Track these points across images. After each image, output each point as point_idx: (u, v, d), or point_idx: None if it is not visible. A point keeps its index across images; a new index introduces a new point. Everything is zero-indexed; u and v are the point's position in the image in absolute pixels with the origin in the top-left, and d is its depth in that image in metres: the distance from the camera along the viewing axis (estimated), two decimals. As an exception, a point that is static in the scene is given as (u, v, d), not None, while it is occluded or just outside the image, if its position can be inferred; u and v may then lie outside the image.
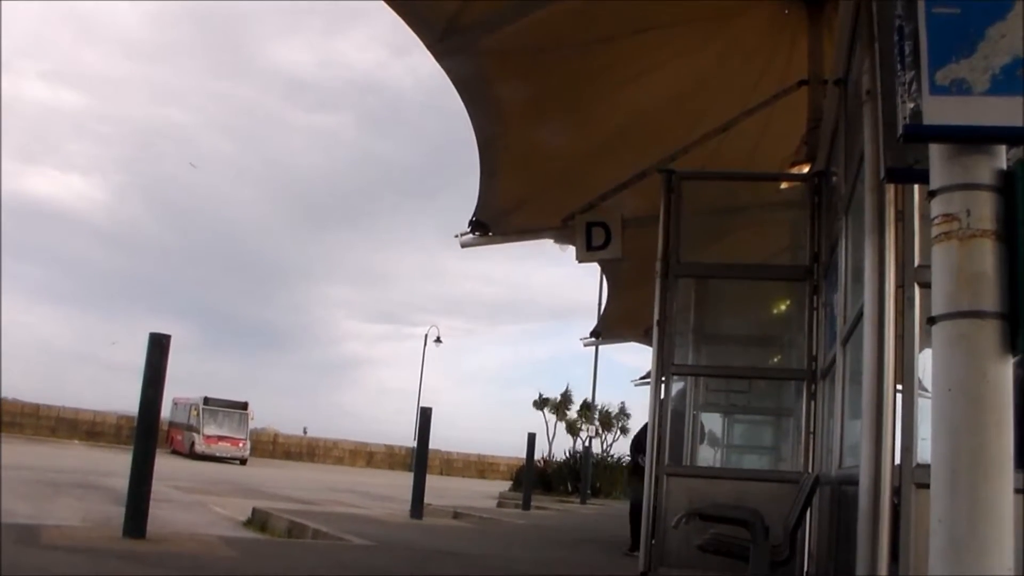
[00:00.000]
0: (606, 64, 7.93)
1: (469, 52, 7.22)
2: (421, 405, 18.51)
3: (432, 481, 15.74)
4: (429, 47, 7.00)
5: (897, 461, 3.52)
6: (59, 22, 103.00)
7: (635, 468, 10.50)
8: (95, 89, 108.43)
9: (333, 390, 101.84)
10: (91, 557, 6.55)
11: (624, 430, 36.80)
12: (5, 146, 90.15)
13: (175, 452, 41.37)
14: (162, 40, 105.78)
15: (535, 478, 22.65)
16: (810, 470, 6.56)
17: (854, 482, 3.93)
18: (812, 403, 6.78)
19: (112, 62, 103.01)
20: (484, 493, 26.99)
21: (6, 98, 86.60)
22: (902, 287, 3.60)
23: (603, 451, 32.60)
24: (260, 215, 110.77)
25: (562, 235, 10.08)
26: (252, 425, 44.92)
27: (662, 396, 7.17)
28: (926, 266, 2.80)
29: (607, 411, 37.44)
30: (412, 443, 37.65)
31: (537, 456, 24.02)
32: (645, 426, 9.21)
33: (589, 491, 24.83)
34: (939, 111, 2.26)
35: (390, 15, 6.60)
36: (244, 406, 43.86)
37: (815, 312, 6.93)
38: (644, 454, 8.86)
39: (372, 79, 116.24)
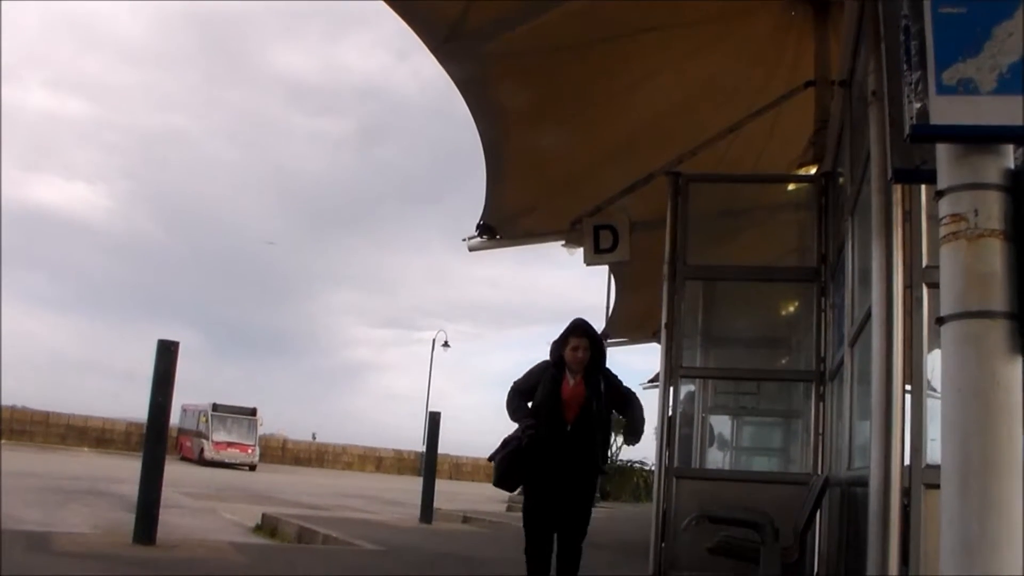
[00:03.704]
0: (612, 67, 7.94)
1: (473, 55, 7.24)
2: (430, 410, 18.55)
3: (441, 485, 15.71)
4: (433, 50, 7.01)
5: (906, 462, 3.51)
6: (61, 30, 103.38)
7: (521, 449, 5.89)
8: (98, 97, 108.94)
9: (342, 395, 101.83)
10: (101, 564, 6.56)
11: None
12: (10, 155, 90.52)
13: (184, 459, 41.39)
14: (164, 46, 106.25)
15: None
16: (819, 472, 6.54)
17: (864, 483, 3.92)
18: (821, 405, 6.76)
19: (114, 69, 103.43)
20: (494, 497, 26.86)
21: (10, 107, 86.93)
22: (910, 287, 3.60)
23: (612, 454, 32.51)
24: (265, 221, 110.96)
25: (570, 238, 10.07)
26: (261, 431, 44.91)
27: (671, 399, 7.15)
28: (934, 266, 2.80)
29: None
30: (421, 448, 37.59)
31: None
32: (532, 370, 6.14)
33: (598, 495, 24.80)
34: (946, 111, 2.25)
35: (392, 19, 6.63)
36: (253, 412, 43.87)
37: (823, 313, 6.91)
38: (536, 416, 5.91)
39: (375, 83, 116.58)
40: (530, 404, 6.05)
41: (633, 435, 6.32)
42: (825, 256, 6.94)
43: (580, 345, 5.95)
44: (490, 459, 6.11)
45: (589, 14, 7.09)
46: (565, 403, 5.89)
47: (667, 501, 6.83)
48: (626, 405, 6.18)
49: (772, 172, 9.78)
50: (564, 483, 5.85)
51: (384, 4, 6.50)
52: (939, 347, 2.32)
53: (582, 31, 7.38)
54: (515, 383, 6.21)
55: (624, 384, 6.24)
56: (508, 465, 5.95)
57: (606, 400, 6.00)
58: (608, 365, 6.13)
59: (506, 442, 6.02)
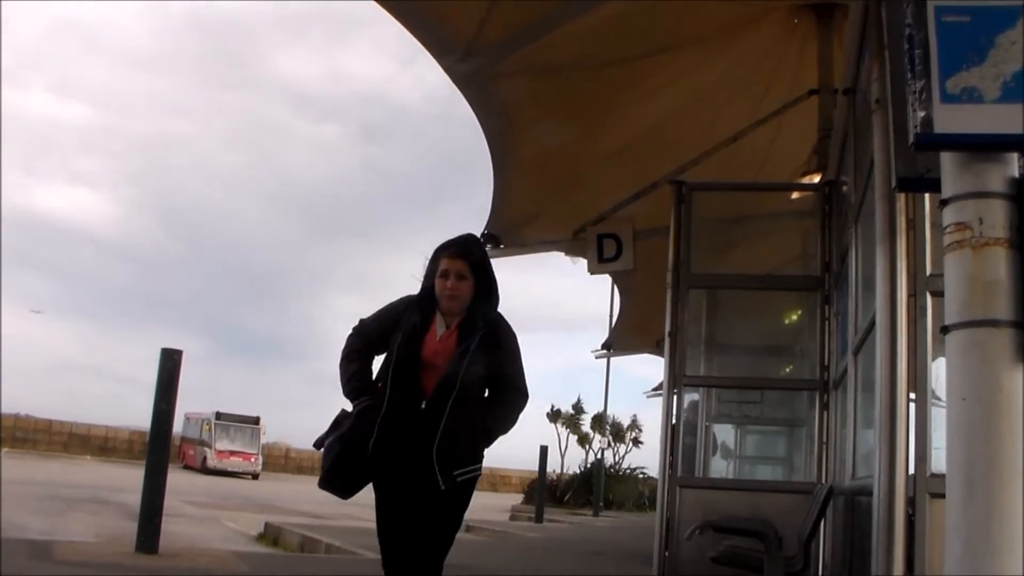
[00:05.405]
0: (619, 81, 7.94)
1: (486, 73, 7.24)
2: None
3: (444, 494, 15.64)
4: (446, 68, 7.03)
5: (911, 471, 3.50)
6: (64, 35, 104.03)
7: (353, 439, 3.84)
8: (101, 102, 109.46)
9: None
10: (104, 572, 6.55)
11: (636, 442, 36.56)
12: (13, 160, 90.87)
13: (187, 467, 41.42)
14: (168, 52, 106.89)
15: (548, 491, 22.61)
16: (823, 481, 6.53)
17: (868, 492, 3.91)
18: (824, 413, 6.75)
19: (118, 75, 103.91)
20: (497, 506, 26.87)
21: (13, 111, 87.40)
22: (914, 296, 3.59)
23: (615, 463, 32.48)
24: (268, 226, 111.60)
25: (574, 247, 10.08)
26: (264, 439, 44.93)
27: (674, 408, 7.13)
28: (938, 275, 2.80)
29: (619, 423, 37.20)
30: (424, 456, 37.50)
31: (549, 469, 23.96)
32: (390, 305, 4.02)
33: (602, 503, 24.76)
34: (950, 119, 2.26)
35: (394, 26, 6.63)
36: (256, 420, 43.88)
37: (826, 322, 6.90)
38: (384, 381, 3.87)
39: (377, 89, 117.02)
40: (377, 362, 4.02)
41: (486, 428, 3.91)
42: (829, 264, 6.93)
43: (451, 269, 3.82)
44: (316, 445, 3.99)
45: (598, 33, 7.10)
46: (424, 364, 3.79)
47: (671, 510, 6.81)
48: (498, 382, 3.89)
49: (776, 180, 9.78)
50: (410, 489, 3.80)
51: (387, 10, 6.52)
52: (943, 355, 2.32)
53: (591, 49, 7.39)
54: (360, 322, 4.06)
55: (519, 356, 3.96)
56: (335, 461, 3.83)
57: (482, 360, 3.78)
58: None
59: (337, 424, 3.94)
